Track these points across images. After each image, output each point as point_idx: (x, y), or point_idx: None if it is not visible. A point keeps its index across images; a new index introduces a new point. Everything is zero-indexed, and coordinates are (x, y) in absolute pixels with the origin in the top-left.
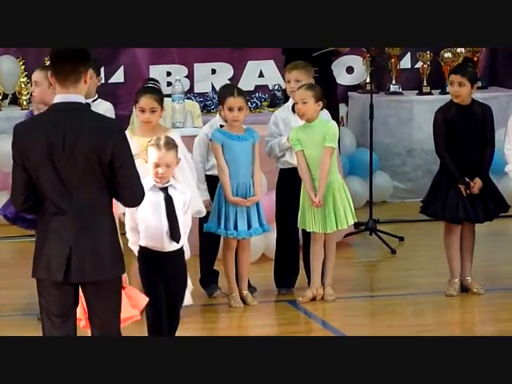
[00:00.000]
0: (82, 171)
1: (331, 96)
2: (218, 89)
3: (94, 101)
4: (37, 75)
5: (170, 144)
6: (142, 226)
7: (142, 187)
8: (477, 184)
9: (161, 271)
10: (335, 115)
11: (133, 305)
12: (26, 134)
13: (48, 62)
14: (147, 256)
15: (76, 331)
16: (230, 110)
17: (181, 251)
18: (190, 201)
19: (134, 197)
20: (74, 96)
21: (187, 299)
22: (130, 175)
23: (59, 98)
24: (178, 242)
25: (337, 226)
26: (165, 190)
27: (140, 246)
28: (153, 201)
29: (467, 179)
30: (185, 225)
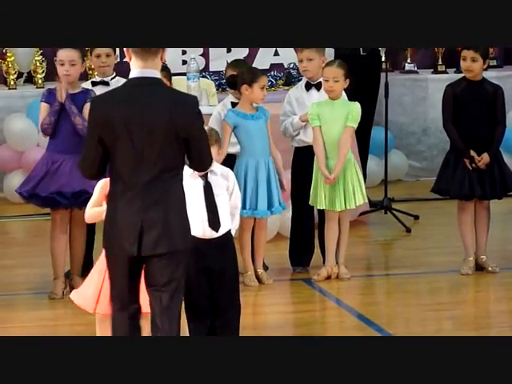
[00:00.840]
0: (159, 145)
1: (374, 75)
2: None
3: (112, 79)
4: (72, 54)
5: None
6: None
7: (211, 155)
8: (484, 159)
9: (204, 260)
10: (374, 96)
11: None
12: (105, 106)
13: None
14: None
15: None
16: (263, 88)
17: (226, 238)
18: (235, 183)
19: (203, 165)
20: (151, 71)
21: None
22: (202, 148)
23: (136, 72)
24: (216, 231)
25: (345, 205)
26: (204, 176)
27: None
28: (192, 188)
29: (473, 153)
30: (232, 207)
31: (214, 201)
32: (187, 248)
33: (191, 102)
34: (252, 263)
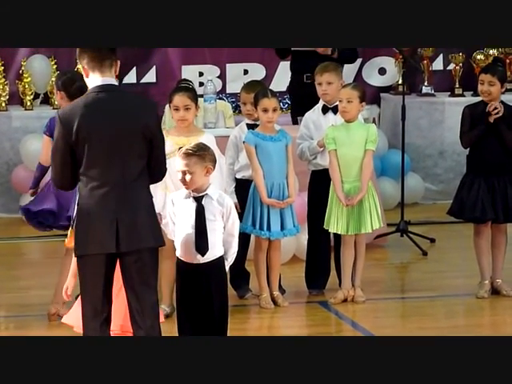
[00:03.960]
0: (127, 146)
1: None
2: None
3: None
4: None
5: (190, 151)
6: (176, 235)
7: (166, 166)
8: None
9: (195, 285)
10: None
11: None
12: (71, 116)
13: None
14: (181, 268)
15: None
16: (265, 111)
17: (215, 265)
18: (231, 210)
19: (160, 173)
20: (110, 79)
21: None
22: (163, 151)
23: (97, 81)
24: (202, 255)
25: (360, 230)
26: (199, 199)
27: (176, 257)
28: (185, 210)
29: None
30: (228, 234)
31: (204, 224)
32: (156, 246)
33: (153, 104)
34: (267, 285)
